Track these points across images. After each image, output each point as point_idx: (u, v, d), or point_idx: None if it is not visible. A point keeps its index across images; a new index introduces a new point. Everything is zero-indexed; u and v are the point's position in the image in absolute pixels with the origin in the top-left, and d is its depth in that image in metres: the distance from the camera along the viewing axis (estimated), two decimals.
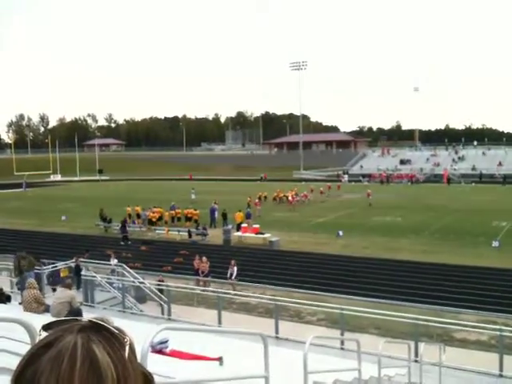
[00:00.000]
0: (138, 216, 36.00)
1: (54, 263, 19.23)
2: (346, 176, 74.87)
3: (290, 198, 44.40)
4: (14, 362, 0.83)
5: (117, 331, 0.86)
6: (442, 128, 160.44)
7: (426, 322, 12.13)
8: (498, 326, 12.13)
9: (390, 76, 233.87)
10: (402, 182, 69.00)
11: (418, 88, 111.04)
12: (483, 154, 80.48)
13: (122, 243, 28.84)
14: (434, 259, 23.36)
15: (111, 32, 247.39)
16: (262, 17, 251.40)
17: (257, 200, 41.46)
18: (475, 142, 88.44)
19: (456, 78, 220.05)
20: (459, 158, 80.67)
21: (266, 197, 47.35)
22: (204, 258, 20.32)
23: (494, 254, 24.31)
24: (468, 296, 17.50)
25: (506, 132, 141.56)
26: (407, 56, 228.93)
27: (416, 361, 10.24)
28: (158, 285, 16.78)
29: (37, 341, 0.83)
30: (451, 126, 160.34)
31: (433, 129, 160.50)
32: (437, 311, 15.57)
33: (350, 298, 17.42)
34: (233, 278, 19.46)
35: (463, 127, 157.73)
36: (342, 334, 12.27)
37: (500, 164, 74.33)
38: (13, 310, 10.20)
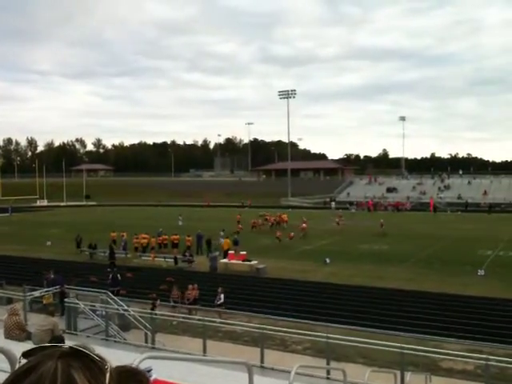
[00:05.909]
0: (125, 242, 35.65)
1: (37, 289, 18.98)
2: (333, 203, 75.08)
3: (277, 234, 38.87)
4: None
5: (97, 358, 0.89)
6: (428, 157, 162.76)
7: (412, 351, 12.07)
8: (484, 356, 12.10)
9: (377, 105, 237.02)
10: (388, 210, 69.41)
11: (405, 117, 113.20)
12: (469, 183, 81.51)
13: (109, 269, 28.45)
14: (419, 287, 23.39)
15: (103, 57, 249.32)
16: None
17: (240, 225, 43.16)
18: (461, 171, 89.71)
19: (439, 107, 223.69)
20: (445, 186, 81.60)
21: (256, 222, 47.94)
22: (190, 286, 20.14)
23: (480, 283, 24.41)
24: (453, 325, 17.47)
25: (491, 161, 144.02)
26: (393, 86, 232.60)
27: None
28: (150, 313, 16.48)
29: (17, 368, 0.86)
30: (437, 155, 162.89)
31: (419, 157, 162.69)
32: (422, 340, 15.51)
33: (336, 327, 17.28)
34: (218, 304, 19.26)
35: (449, 156, 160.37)
36: (327, 363, 12.17)
37: (485, 193, 75.24)
38: None
